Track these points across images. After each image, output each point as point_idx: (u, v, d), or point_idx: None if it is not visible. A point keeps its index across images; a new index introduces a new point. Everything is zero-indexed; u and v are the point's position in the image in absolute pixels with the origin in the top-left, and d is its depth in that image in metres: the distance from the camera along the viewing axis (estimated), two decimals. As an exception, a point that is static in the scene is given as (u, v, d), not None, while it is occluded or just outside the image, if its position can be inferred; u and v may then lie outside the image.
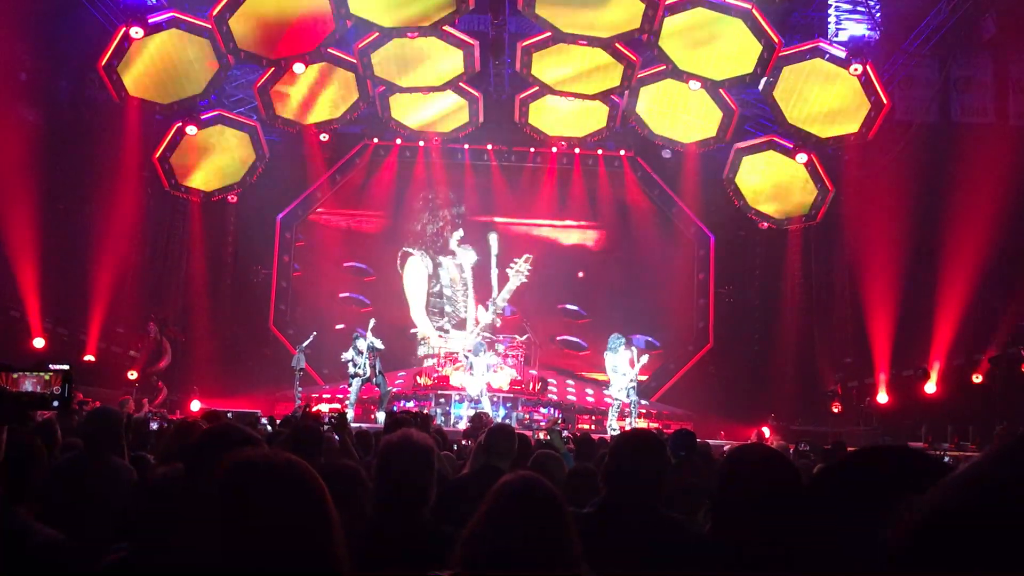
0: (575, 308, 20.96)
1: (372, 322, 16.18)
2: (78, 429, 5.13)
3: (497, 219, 21.24)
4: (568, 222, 21.75)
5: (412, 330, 20.33)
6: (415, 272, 20.88)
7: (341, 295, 21.31)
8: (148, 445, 6.13)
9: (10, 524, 2.42)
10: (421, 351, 20.18)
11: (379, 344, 15.98)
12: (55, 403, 2.88)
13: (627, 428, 12.52)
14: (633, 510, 2.85)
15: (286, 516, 1.50)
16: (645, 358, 15.90)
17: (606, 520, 2.83)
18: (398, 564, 2.53)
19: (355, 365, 15.85)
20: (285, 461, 1.57)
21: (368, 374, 15.87)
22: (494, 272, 19.54)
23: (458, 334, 19.61)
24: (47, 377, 2.90)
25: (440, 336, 20.17)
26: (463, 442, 8.40)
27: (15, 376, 2.89)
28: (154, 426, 7.52)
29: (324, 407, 15.22)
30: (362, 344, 15.88)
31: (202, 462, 2.23)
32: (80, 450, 4.41)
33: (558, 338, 21.31)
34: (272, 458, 1.59)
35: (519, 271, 18.72)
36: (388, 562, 2.56)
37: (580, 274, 21.37)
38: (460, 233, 20.61)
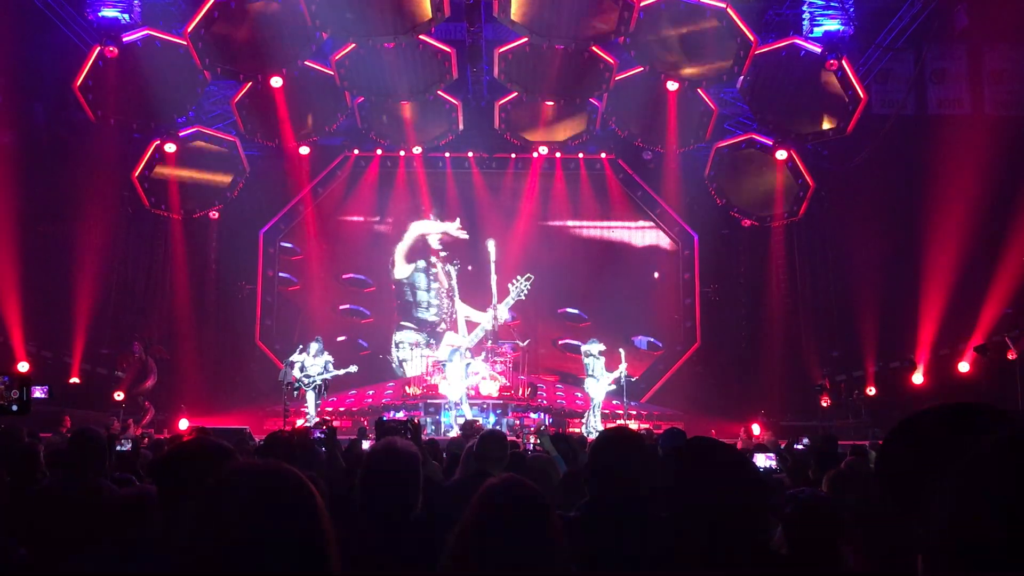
0: (576, 312, 20.95)
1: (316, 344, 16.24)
2: (63, 452, 5.08)
3: (486, 224, 21.14)
4: (554, 223, 21.76)
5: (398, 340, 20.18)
6: (403, 276, 20.72)
7: (342, 307, 21.27)
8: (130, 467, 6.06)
9: None
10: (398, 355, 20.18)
11: (332, 367, 16.01)
12: (13, 407, 2.86)
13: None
14: (620, 510, 2.82)
15: (280, 521, 1.51)
16: (623, 366, 15.90)
17: (594, 522, 2.81)
18: (386, 569, 2.51)
19: (305, 377, 15.84)
20: (276, 468, 1.60)
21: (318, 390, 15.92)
22: (493, 278, 19.25)
23: (453, 337, 19.24)
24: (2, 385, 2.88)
25: (416, 346, 20.06)
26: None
27: None
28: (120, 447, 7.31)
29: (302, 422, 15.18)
30: (309, 360, 15.85)
31: (173, 477, 2.21)
32: (65, 473, 4.37)
33: (560, 342, 21.32)
34: (265, 465, 1.62)
35: (519, 288, 18.53)
36: (376, 568, 2.54)
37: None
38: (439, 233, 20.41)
